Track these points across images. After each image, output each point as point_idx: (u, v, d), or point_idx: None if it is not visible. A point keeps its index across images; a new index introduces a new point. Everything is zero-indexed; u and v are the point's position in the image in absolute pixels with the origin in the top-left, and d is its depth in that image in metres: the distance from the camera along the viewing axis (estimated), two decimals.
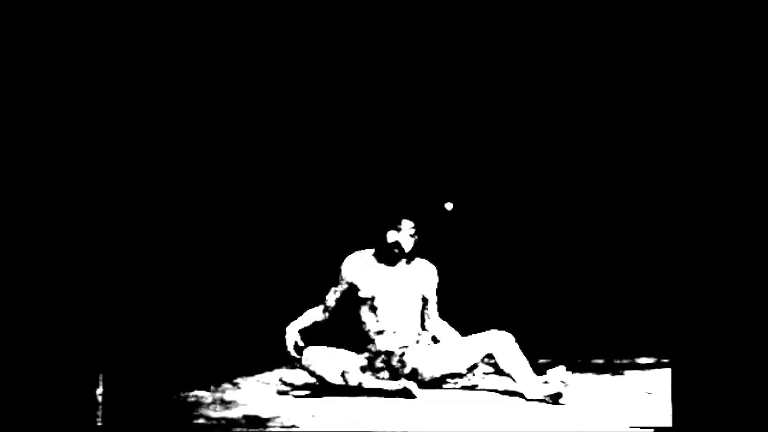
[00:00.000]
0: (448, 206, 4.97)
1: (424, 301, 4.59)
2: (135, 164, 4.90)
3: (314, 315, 4.57)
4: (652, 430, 3.51)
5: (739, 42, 3.47)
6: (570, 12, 4.81)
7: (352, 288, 4.52)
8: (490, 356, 4.30)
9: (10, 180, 3.70)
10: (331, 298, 4.56)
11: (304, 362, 4.40)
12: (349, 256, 4.57)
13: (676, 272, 3.45)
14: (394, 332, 4.46)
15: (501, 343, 4.26)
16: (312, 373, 4.39)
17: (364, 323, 4.50)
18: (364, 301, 4.49)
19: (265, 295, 5.70)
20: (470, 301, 5.68)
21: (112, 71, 4.09)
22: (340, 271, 4.55)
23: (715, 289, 3.38)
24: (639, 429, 3.54)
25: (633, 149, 5.52)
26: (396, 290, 4.50)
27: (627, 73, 5.07)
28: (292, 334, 4.48)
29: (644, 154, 5.36)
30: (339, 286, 4.56)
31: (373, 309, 4.48)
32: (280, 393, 4.42)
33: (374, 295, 4.48)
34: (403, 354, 4.41)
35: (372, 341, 4.46)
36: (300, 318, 4.54)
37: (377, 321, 4.47)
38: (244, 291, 5.72)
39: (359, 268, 4.53)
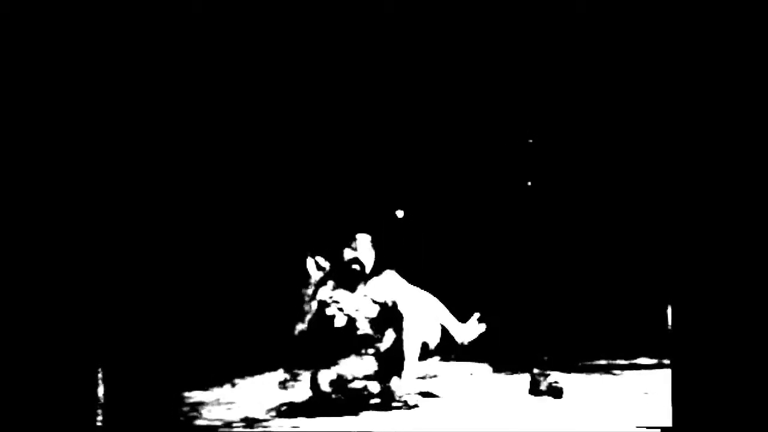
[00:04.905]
0: (399, 213, 4.92)
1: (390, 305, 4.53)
2: (134, 164, 4.90)
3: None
4: (652, 430, 3.51)
5: (739, 42, 3.47)
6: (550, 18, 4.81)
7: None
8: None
9: (11, 180, 3.70)
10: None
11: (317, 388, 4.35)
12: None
13: (675, 274, 3.45)
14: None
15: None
16: (327, 395, 4.33)
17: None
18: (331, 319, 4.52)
19: (264, 295, 5.71)
20: (470, 301, 5.69)
21: (110, 71, 4.09)
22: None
23: (715, 290, 3.38)
24: (639, 429, 3.55)
25: (630, 153, 5.52)
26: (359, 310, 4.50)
27: (609, 77, 5.08)
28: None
29: (640, 159, 5.37)
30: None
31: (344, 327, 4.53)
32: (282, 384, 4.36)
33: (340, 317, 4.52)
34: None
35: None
36: None
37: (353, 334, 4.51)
38: (243, 291, 5.73)
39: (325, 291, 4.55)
